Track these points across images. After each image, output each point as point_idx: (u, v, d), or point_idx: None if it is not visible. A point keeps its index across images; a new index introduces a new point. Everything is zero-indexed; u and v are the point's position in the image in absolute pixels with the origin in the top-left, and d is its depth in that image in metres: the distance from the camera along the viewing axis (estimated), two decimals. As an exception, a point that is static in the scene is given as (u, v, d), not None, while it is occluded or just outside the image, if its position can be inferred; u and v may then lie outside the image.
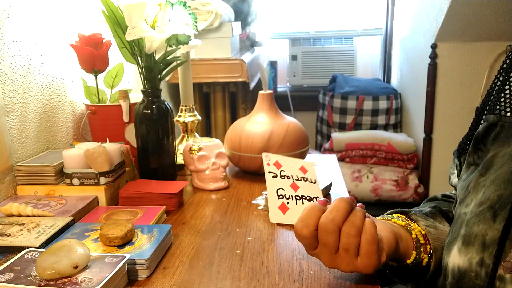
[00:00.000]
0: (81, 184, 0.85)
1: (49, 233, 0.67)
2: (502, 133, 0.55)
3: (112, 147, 0.89)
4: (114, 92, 1.11)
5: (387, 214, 0.70)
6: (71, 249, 0.57)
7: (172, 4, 0.88)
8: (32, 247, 0.62)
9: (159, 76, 0.95)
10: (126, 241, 0.65)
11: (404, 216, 0.67)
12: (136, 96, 1.07)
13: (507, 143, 0.54)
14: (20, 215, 0.74)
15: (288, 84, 3.05)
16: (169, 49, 0.92)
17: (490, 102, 0.60)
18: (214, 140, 1.01)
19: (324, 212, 0.54)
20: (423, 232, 0.63)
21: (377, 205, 2.25)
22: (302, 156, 1.04)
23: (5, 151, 0.84)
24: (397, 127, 2.61)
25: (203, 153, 0.97)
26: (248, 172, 1.06)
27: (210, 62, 1.73)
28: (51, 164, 0.85)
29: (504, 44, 2.04)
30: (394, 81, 2.84)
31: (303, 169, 0.80)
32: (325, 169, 1.10)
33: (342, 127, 2.58)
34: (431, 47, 2.10)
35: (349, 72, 2.96)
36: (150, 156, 0.96)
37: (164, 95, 1.79)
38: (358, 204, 0.56)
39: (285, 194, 0.80)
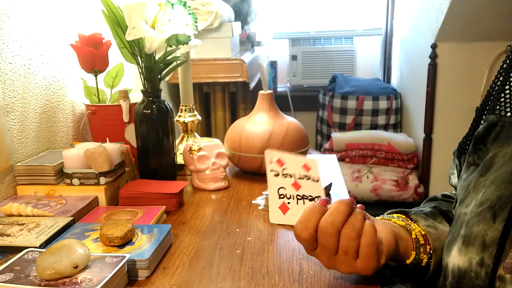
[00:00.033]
0: (81, 184, 0.85)
1: (49, 233, 0.67)
2: (502, 133, 0.55)
3: (112, 147, 0.89)
4: (114, 92, 1.11)
5: (387, 214, 0.70)
6: (71, 249, 0.57)
7: (172, 4, 0.88)
8: (32, 247, 0.62)
9: (159, 76, 0.95)
10: (126, 241, 0.65)
11: (404, 216, 0.67)
12: (136, 96, 1.07)
13: (507, 143, 0.54)
14: (20, 215, 0.74)
15: (288, 84, 3.05)
16: (169, 49, 0.92)
17: (490, 102, 0.60)
18: (214, 140, 1.01)
19: (324, 213, 0.54)
20: (423, 233, 0.63)
21: (377, 205, 2.25)
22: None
23: (5, 151, 0.84)
24: (397, 127, 2.61)
25: (203, 153, 0.97)
26: (248, 172, 1.06)
27: (210, 62, 1.73)
28: (51, 164, 0.85)
29: (504, 44, 2.03)
30: (394, 81, 2.84)
31: (306, 167, 0.78)
32: (325, 169, 1.10)
33: (342, 127, 2.58)
34: (431, 47, 2.10)
35: (349, 72, 2.96)
36: (150, 156, 0.96)
37: (164, 95, 1.79)
38: (358, 205, 0.56)
39: (286, 194, 0.79)
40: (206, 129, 1.96)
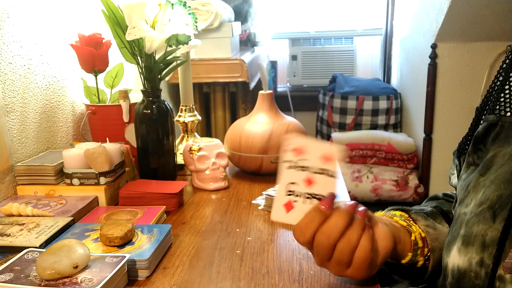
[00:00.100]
0: (81, 184, 0.85)
1: (49, 233, 0.67)
2: (502, 133, 0.55)
3: (112, 147, 0.89)
4: (114, 92, 1.11)
5: (388, 210, 0.70)
6: (71, 249, 0.57)
7: (172, 4, 0.88)
8: (32, 247, 0.62)
9: (159, 76, 0.95)
10: (126, 241, 0.65)
11: (406, 216, 0.67)
12: (136, 96, 1.07)
13: (507, 143, 0.54)
14: (20, 215, 0.74)
15: (288, 84, 3.05)
16: (169, 49, 0.92)
17: (489, 102, 0.60)
18: (214, 140, 1.01)
19: (325, 219, 0.54)
20: (422, 235, 0.63)
21: (377, 205, 2.25)
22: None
23: (5, 151, 0.84)
24: (397, 127, 2.61)
25: (203, 153, 0.97)
26: (248, 172, 1.06)
27: (210, 62, 1.73)
28: (51, 164, 0.85)
29: (504, 44, 2.03)
30: (394, 81, 2.84)
31: (325, 157, 0.67)
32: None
33: (342, 127, 2.58)
34: (431, 47, 2.10)
35: (349, 72, 2.96)
36: (150, 156, 0.96)
37: (164, 95, 1.79)
38: (361, 209, 0.55)
39: (295, 191, 0.70)
40: (206, 129, 1.96)
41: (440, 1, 1.94)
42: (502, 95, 0.57)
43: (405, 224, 0.64)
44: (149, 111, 0.94)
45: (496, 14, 1.87)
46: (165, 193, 0.86)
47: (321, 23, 2.95)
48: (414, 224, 0.65)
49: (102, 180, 0.85)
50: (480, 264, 0.50)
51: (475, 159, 0.59)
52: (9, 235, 0.67)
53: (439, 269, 0.61)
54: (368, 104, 2.52)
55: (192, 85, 1.13)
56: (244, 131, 1.01)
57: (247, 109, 1.93)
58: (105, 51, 1.03)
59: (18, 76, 0.89)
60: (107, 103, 1.10)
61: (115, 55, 1.05)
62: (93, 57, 1.01)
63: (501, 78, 0.58)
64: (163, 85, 1.29)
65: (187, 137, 1.13)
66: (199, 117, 1.14)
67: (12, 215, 0.74)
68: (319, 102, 2.74)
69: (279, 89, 3.02)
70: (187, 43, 0.91)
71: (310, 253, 0.57)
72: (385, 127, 2.56)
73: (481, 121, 0.60)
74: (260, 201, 0.89)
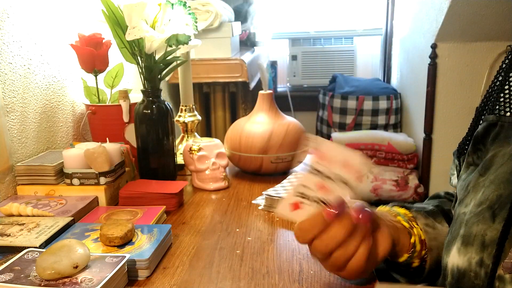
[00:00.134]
0: (81, 184, 0.85)
1: (49, 233, 0.67)
2: (502, 133, 0.55)
3: (112, 147, 0.89)
4: (114, 92, 1.11)
5: (392, 205, 0.70)
6: (71, 249, 0.57)
7: (172, 4, 0.88)
8: (32, 247, 0.62)
9: (159, 76, 0.95)
10: (126, 241, 0.65)
11: (410, 215, 0.67)
12: (136, 96, 1.07)
13: (506, 143, 0.54)
14: (20, 215, 0.74)
15: (288, 84, 3.05)
16: (169, 49, 0.92)
17: (489, 102, 0.60)
18: (214, 140, 1.01)
19: (326, 226, 0.54)
20: (422, 237, 0.64)
21: (377, 205, 2.24)
22: (302, 156, 1.04)
23: (5, 151, 0.84)
24: (397, 127, 2.61)
25: (203, 153, 0.97)
26: (248, 172, 1.06)
27: (210, 62, 1.73)
28: (51, 164, 0.85)
29: (504, 44, 2.03)
30: (394, 81, 2.84)
31: (345, 165, 0.63)
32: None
33: (342, 127, 2.58)
34: (431, 47, 2.10)
35: (349, 72, 2.96)
36: (150, 156, 0.96)
37: (164, 95, 1.79)
38: (365, 213, 0.56)
39: (304, 193, 0.69)
40: (206, 129, 1.96)
41: (440, 1, 1.94)
42: (502, 95, 0.57)
43: (407, 225, 0.64)
44: (149, 111, 0.94)
45: (496, 14, 1.87)
46: (165, 193, 0.86)
47: (321, 23, 2.95)
48: (416, 226, 0.65)
49: (102, 180, 0.85)
50: (479, 264, 0.50)
51: (475, 159, 0.59)
52: (9, 235, 0.67)
53: (436, 268, 0.61)
54: (368, 104, 2.52)
55: (192, 85, 1.13)
56: (244, 131, 1.01)
57: (247, 109, 1.93)
58: (105, 51, 1.03)
59: (18, 76, 0.89)
60: (107, 103, 1.10)
61: (115, 55, 1.05)
62: (93, 57, 1.01)
63: (500, 78, 0.58)
64: (163, 85, 1.29)
65: (187, 137, 1.13)
66: (199, 117, 1.14)
67: (12, 215, 0.74)
68: (319, 102, 2.74)
69: (279, 89, 3.02)
70: (187, 43, 0.92)
71: (310, 253, 0.58)
72: (385, 127, 2.56)
73: (481, 121, 0.60)
74: (260, 201, 0.89)
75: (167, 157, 0.98)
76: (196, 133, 1.15)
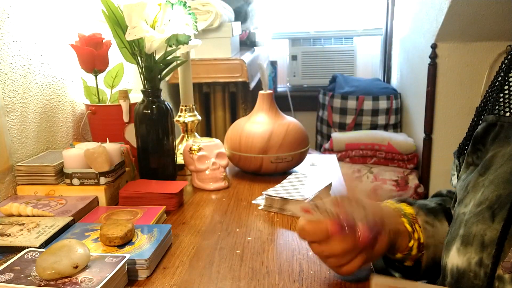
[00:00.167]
0: (81, 184, 0.85)
1: (49, 233, 0.67)
2: (502, 133, 0.55)
3: (112, 147, 0.89)
4: (114, 92, 1.11)
5: (397, 200, 0.71)
6: (71, 249, 0.57)
7: (172, 4, 0.88)
8: (32, 247, 0.62)
9: (159, 76, 0.95)
10: (126, 241, 0.66)
11: (414, 217, 0.67)
12: (136, 96, 1.07)
13: (506, 143, 0.54)
14: (20, 215, 0.74)
15: (288, 84, 3.05)
16: (169, 49, 0.92)
17: (489, 103, 0.60)
18: (214, 140, 1.01)
19: (328, 235, 0.56)
20: (421, 241, 0.64)
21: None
22: (302, 156, 1.04)
23: (5, 151, 0.84)
24: (397, 127, 2.61)
25: (203, 153, 0.97)
26: (248, 172, 1.06)
27: (210, 62, 1.73)
28: (51, 164, 0.85)
29: (504, 44, 2.03)
30: (394, 81, 2.84)
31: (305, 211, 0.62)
32: (325, 169, 1.10)
33: (342, 127, 2.58)
34: (431, 47, 2.10)
35: (349, 72, 2.96)
36: (150, 156, 0.96)
37: (164, 95, 1.79)
38: (366, 237, 0.56)
39: (318, 205, 0.69)
40: (206, 129, 1.96)
41: (440, 1, 1.94)
42: (501, 95, 0.57)
43: (410, 229, 0.65)
44: (149, 111, 0.94)
45: (496, 14, 1.87)
46: (165, 193, 0.86)
47: (321, 23, 2.95)
48: (417, 229, 0.65)
49: (102, 180, 0.85)
50: (479, 264, 0.50)
51: (475, 159, 0.59)
52: (9, 235, 0.67)
53: (433, 267, 0.62)
54: (368, 104, 2.52)
55: (192, 85, 1.13)
56: (244, 131, 1.01)
57: (247, 109, 1.93)
58: (105, 51, 1.03)
59: (18, 76, 0.89)
60: (107, 103, 1.10)
61: (115, 55, 1.05)
62: (93, 57, 1.01)
63: (500, 78, 0.59)
64: (163, 85, 1.29)
65: (187, 137, 1.13)
66: (199, 117, 1.14)
67: (12, 215, 0.74)
68: (319, 102, 2.74)
69: (279, 89, 3.02)
70: (187, 43, 0.92)
71: (310, 253, 0.61)
72: (385, 127, 2.56)
73: (481, 121, 0.60)
74: (260, 201, 0.89)
75: (167, 157, 0.98)
76: (196, 133, 1.15)
